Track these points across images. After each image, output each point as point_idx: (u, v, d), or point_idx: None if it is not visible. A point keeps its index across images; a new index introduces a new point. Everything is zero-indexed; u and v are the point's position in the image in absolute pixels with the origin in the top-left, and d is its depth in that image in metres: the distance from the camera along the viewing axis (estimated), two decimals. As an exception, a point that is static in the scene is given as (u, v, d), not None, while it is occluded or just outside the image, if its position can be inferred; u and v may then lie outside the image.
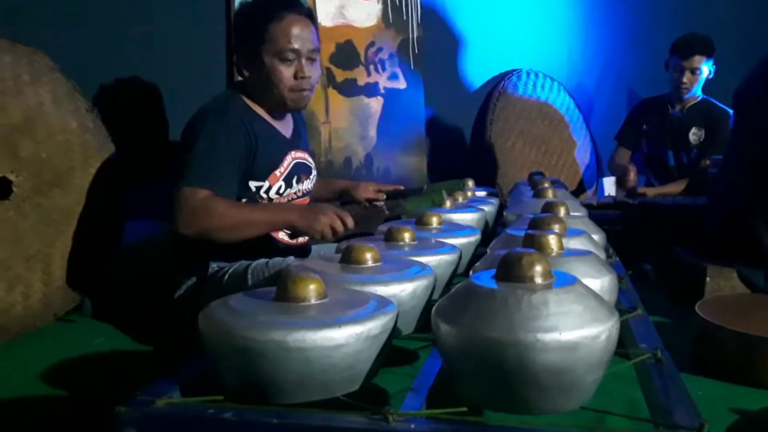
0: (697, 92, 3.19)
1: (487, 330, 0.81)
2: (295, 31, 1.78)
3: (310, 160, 1.99)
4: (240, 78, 1.95)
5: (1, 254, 1.76)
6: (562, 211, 1.60)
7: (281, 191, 1.84)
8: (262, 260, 1.68)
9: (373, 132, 2.73)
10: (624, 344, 1.22)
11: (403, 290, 1.09)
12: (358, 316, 0.87)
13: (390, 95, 2.79)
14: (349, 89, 2.63)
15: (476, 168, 3.07)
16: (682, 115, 3.21)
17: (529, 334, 0.79)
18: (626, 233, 2.78)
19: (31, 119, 1.86)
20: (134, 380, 1.57)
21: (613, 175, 3.28)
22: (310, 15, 1.85)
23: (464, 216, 1.91)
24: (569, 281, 0.88)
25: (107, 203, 2.00)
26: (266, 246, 1.81)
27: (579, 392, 0.83)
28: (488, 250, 1.39)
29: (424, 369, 0.97)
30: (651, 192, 3.12)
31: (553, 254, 1.10)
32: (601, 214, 2.83)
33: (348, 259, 1.17)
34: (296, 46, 1.78)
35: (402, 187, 2.21)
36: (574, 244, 1.28)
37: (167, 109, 2.32)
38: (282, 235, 1.85)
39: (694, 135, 3.17)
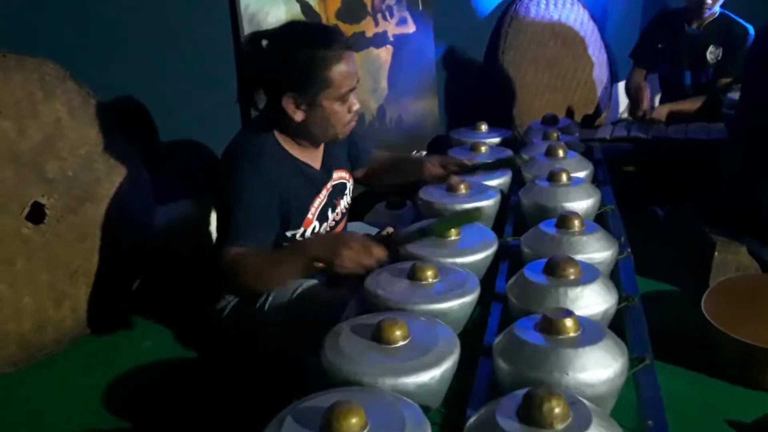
0: (716, 8, 3.07)
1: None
2: (352, 68, 1.74)
3: (345, 175, 2.01)
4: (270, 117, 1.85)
5: (46, 276, 1.86)
6: (576, 225, 1.66)
7: (316, 230, 1.90)
8: (301, 286, 1.76)
9: (384, 83, 2.70)
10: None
11: (432, 377, 1.20)
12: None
13: (399, 42, 2.73)
14: (358, 44, 2.57)
15: (489, 102, 3.05)
16: (699, 33, 3.11)
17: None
18: (639, 170, 2.83)
19: (52, 138, 1.89)
20: (184, 397, 1.76)
21: (628, 98, 3.24)
22: (351, 43, 1.81)
23: (480, 204, 1.96)
24: (585, 421, 0.97)
25: (137, 204, 2.08)
26: None
27: None
28: (507, 293, 1.47)
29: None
30: (665, 110, 3.09)
31: (569, 339, 1.19)
32: (614, 147, 2.87)
33: (378, 338, 1.26)
34: (354, 84, 1.75)
35: (467, 162, 2.13)
36: (588, 294, 1.37)
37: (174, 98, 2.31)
38: None
39: (711, 54, 3.09)
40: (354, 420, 1.02)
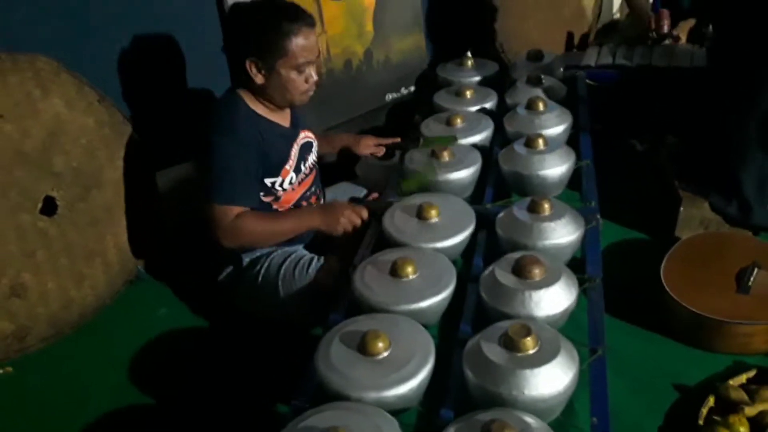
0: None
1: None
2: (310, 43, 1.91)
3: (310, 135, 2.18)
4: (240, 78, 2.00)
5: (65, 262, 2.05)
6: (546, 209, 1.80)
7: (292, 181, 2.05)
8: (291, 264, 1.96)
9: (369, 26, 2.70)
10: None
11: (410, 389, 1.40)
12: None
13: (383, -20, 2.71)
14: (341, -10, 2.57)
15: (476, 30, 3.04)
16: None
17: None
18: (624, 97, 2.89)
19: (54, 133, 2.00)
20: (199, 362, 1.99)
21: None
22: (313, 22, 1.94)
23: (461, 174, 2.09)
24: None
25: (140, 180, 2.21)
26: None
27: None
28: (480, 289, 1.64)
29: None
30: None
31: (528, 357, 1.37)
32: (600, 73, 2.91)
33: (363, 350, 1.45)
34: (311, 58, 1.93)
35: (399, 140, 2.39)
36: (551, 296, 1.55)
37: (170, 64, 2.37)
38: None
39: None
40: (340, 437, 1.24)
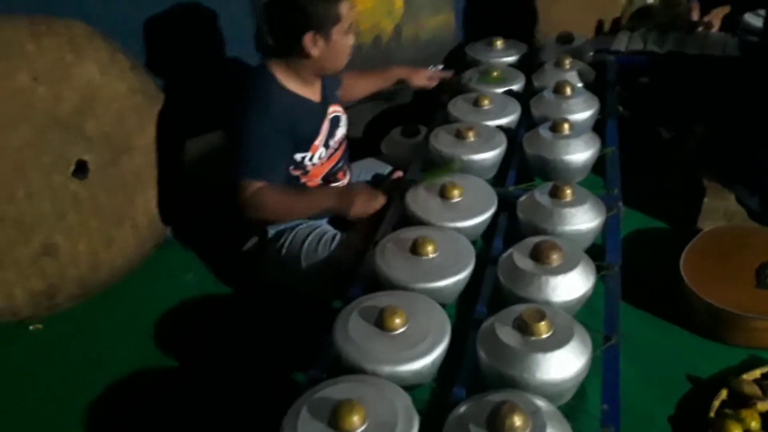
0: None
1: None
2: (350, 4, 1.97)
3: (339, 108, 2.20)
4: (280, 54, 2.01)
5: (94, 223, 2.10)
6: (568, 195, 1.81)
7: (322, 155, 2.09)
8: (314, 239, 2.00)
9: (399, 3, 2.68)
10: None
11: (425, 365, 1.43)
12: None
13: (416, -44, 2.70)
14: (372, -34, 2.57)
15: (506, 9, 3.03)
16: None
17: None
18: (653, 84, 2.86)
19: (87, 98, 2.05)
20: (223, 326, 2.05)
21: None
22: None
23: (485, 156, 2.10)
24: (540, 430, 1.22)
25: (170, 147, 2.26)
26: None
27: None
28: (498, 273, 1.66)
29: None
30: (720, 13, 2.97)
31: (541, 341, 1.40)
32: (629, 58, 2.88)
33: (381, 325, 1.49)
34: (354, 19, 2.00)
35: (449, 75, 2.57)
36: (568, 282, 1.56)
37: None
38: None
39: None
40: (355, 418, 1.27)
